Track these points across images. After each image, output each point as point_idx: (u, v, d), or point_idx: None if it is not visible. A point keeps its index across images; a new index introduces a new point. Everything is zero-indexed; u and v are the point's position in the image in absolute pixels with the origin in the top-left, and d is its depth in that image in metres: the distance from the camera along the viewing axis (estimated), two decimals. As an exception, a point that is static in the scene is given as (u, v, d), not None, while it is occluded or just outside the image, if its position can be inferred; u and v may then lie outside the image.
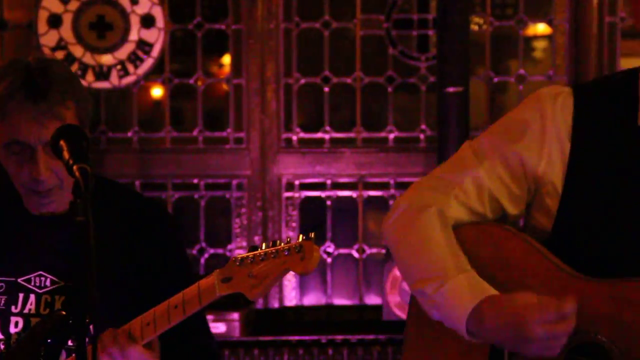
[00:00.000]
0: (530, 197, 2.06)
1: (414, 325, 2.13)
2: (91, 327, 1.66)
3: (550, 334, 1.84)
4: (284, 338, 4.36)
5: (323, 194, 4.71)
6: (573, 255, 1.98)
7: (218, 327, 4.16)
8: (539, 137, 2.02)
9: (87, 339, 1.68)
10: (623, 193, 1.99)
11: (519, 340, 1.87)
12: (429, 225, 2.03)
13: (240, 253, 2.16)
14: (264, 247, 1.95)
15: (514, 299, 1.90)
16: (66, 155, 1.74)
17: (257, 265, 1.91)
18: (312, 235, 1.90)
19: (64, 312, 2.05)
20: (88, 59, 4.53)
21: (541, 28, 4.85)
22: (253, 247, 1.99)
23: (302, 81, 4.70)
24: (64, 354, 2.08)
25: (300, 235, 1.91)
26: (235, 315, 4.25)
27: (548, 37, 4.83)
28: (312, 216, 4.73)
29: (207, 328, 2.24)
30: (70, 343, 2.07)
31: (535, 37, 4.93)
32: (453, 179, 2.07)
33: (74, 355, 2.02)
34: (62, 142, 1.77)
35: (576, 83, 2.05)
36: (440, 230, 2.03)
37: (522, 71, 4.71)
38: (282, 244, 1.91)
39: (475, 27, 4.77)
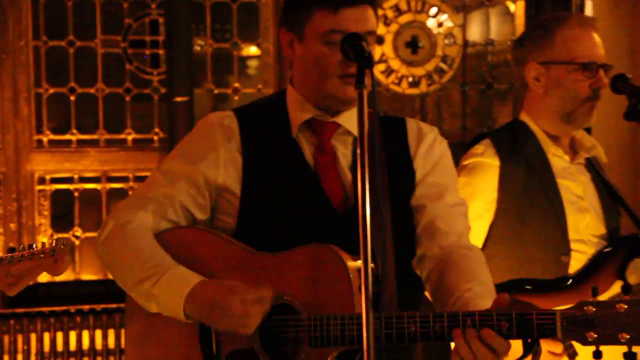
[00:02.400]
0: (214, 203, 2.12)
1: (132, 324, 2.14)
2: None
3: (245, 311, 1.88)
4: (37, 309, 4.40)
5: (71, 187, 4.77)
6: (254, 242, 2.04)
7: (-22, 303, 4.12)
8: (214, 155, 2.09)
9: None
10: (280, 188, 2.08)
11: (220, 316, 1.90)
12: (135, 235, 2.05)
13: (-1, 255, 2.11)
14: (21, 249, 1.95)
15: (221, 282, 1.95)
16: None
17: (15, 265, 1.92)
18: (66, 243, 1.93)
19: None
20: None
21: (253, 50, 5.05)
22: (11, 249, 1.99)
23: (51, 91, 4.75)
24: None
25: (55, 241, 1.92)
26: (-7, 292, 4.34)
27: (258, 57, 5.04)
28: (62, 206, 4.75)
29: None
30: None
31: (249, 57, 5.10)
32: (149, 197, 2.10)
33: None
34: None
35: (235, 107, 2.21)
36: (144, 237, 2.06)
37: (237, 85, 4.94)
38: (38, 248, 1.92)
39: (198, 48, 4.90)
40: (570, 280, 2.61)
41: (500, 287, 2.54)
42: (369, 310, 1.70)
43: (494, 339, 1.77)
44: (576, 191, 2.68)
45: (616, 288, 2.59)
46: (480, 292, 1.95)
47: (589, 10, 4.95)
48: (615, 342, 1.70)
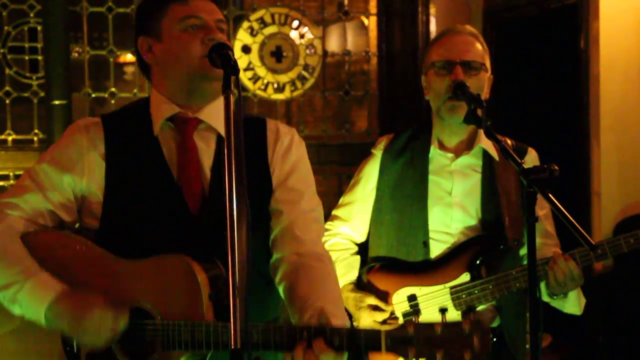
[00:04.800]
0: (80, 206, 2.12)
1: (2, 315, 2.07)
2: None
3: (99, 328, 1.90)
4: None
5: (-49, 185, 4.72)
6: (116, 244, 2.03)
7: None
8: (80, 162, 2.09)
9: None
10: (139, 191, 2.05)
11: (76, 329, 1.93)
12: (3, 239, 2.03)
13: None
14: None
15: (83, 294, 1.96)
16: None
17: None
18: None
19: None
20: None
21: (129, 57, 5.11)
22: None
23: None
24: None
25: None
26: None
27: (133, 64, 5.10)
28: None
29: None
30: None
31: (126, 64, 5.15)
32: (17, 203, 2.08)
33: None
34: None
35: (103, 113, 2.19)
36: (12, 242, 2.03)
37: (114, 89, 4.97)
38: None
39: (76, 55, 4.94)
40: (428, 265, 2.72)
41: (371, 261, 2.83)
42: (236, 313, 1.67)
43: (324, 350, 1.83)
44: (446, 187, 2.76)
45: (464, 278, 2.70)
46: (332, 312, 1.96)
47: (433, 23, 5.22)
48: (432, 358, 1.80)
